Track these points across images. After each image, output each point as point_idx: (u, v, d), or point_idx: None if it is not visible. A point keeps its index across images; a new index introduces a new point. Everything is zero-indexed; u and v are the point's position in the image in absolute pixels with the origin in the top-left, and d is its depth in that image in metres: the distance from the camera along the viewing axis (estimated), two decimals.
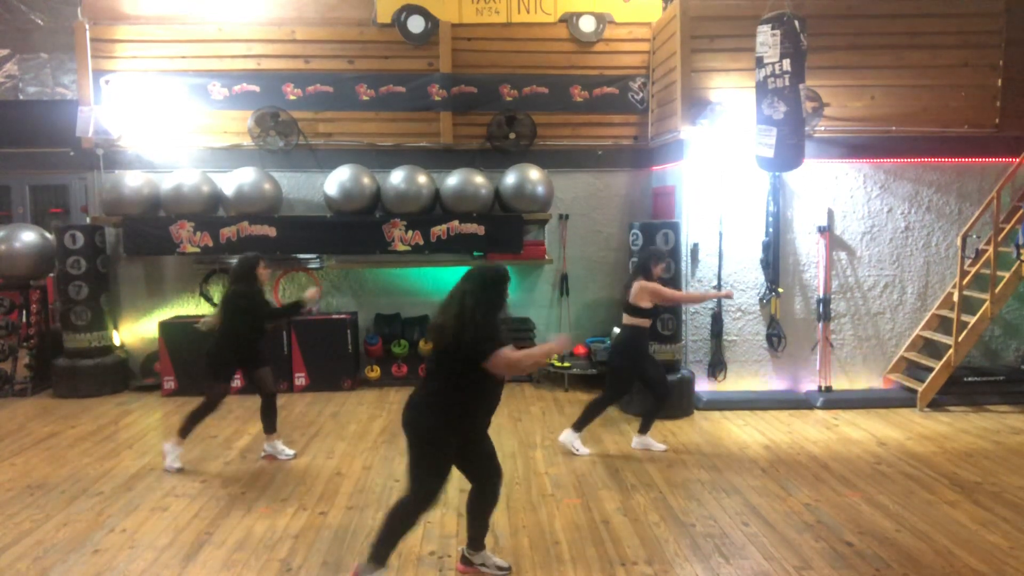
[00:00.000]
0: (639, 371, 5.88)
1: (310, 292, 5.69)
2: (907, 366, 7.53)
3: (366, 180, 7.97)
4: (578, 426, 5.89)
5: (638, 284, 5.76)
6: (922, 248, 7.52)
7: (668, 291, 5.84)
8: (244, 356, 5.60)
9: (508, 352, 3.49)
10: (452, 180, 8.01)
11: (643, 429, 5.97)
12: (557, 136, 8.54)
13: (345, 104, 8.39)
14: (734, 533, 4.39)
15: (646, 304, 5.73)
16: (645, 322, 5.81)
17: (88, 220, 8.34)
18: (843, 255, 7.48)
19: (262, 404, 5.75)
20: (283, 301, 8.19)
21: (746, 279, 7.40)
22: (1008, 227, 7.07)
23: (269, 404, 5.75)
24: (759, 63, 6.44)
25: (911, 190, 7.47)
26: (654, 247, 6.38)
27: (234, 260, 8.08)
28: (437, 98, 8.40)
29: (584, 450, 5.84)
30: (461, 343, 3.48)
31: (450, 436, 3.61)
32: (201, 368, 5.69)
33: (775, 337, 7.39)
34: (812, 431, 6.43)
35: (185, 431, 5.57)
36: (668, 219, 7.55)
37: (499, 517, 4.58)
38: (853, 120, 7.37)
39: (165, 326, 7.91)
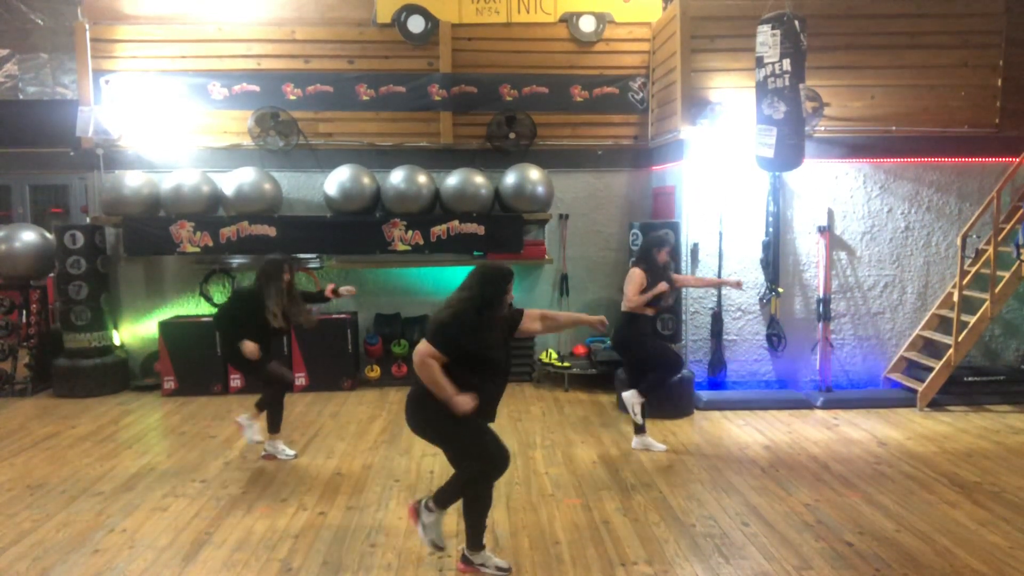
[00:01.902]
0: (642, 351, 5.88)
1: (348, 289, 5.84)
2: (907, 366, 7.53)
3: (366, 180, 7.97)
4: (639, 428, 5.93)
5: (631, 272, 5.81)
6: (922, 248, 7.52)
7: (632, 290, 5.70)
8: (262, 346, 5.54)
9: (432, 360, 3.55)
10: (452, 180, 8.02)
11: (639, 428, 5.96)
12: (557, 136, 8.54)
13: (345, 104, 8.39)
14: (734, 533, 4.39)
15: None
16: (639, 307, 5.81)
17: (88, 220, 8.34)
18: (843, 255, 7.49)
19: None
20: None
21: (746, 279, 7.39)
22: (1008, 227, 7.07)
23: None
24: (759, 63, 6.44)
25: (911, 190, 7.47)
26: (657, 233, 6.34)
27: (235, 260, 8.22)
28: (437, 98, 8.40)
29: (660, 446, 5.91)
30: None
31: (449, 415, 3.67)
32: (249, 371, 5.77)
33: (775, 337, 7.39)
34: (812, 431, 6.43)
35: (262, 405, 5.64)
36: (668, 219, 7.56)
37: (499, 517, 4.58)
38: (853, 120, 7.37)
39: (165, 326, 7.91)
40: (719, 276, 7.30)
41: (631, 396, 5.86)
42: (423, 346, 3.59)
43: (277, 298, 5.50)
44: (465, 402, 3.59)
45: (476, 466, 3.75)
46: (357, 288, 8.49)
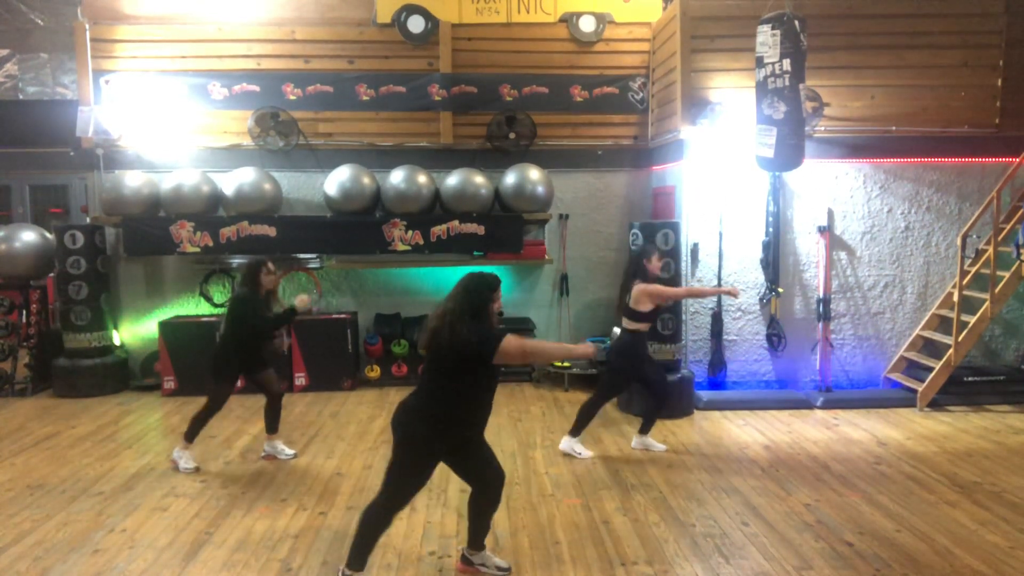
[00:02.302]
0: (638, 374, 5.84)
1: (300, 299, 5.56)
2: (907, 366, 7.53)
3: (366, 180, 7.97)
4: (575, 431, 5.85)
5: (638, 288, 5.61)
6: (922, 248, 7.52)
7: (669, 290, 5.77)
8: (245, 360, 5.58)
9: (519, 340, 3.50)
10: (452, 180, 8.02)
11: (643, 430, 5.96)
12: (557, 136, 8.54)
13: (345, 104, 8.39)
14: (734, 533, 4.39)
15: (646, 308, 5.62)
16: (645, 326, 5.74)
17: (88, 220, 8.34)
18: (843, 255, 7.49)
19: (267, 404, 5.75)
20: (283, 302, 8.18)
21: (746, 279, 7.40)
22: (1008, 227, 7.07)
23: (274, 405, 5.75)
24: (759, 63, 6.44)
25: (911, 190, 7.47)
26: (641, 245, 6.31)
27: (234, 260, 8.21)
28: (437, 98, 8.40)
29: (587, 453, 5.81)
30: (453, 344, 3.49)
31: (438, 444, 3.61)
32: (207, 369, 5.60)
33: (775, 337, 7.39)
34: (812, 431, 6.43)
35: (191, 434, 5.56)
36: (668, 219, 7.55)
37: (499, 517, 4.58)
38: (853, 120, 7.37)
39: (165, 326, 7.91)
40: (719, 276, 7.30)
41: (567, 445, 5.81)
42: (510, 342, 3.45)
43: (264, 299, 5.51)
44: (587, 348, 3.64)
45: (378, 505, 3.65)
46: (357, 288, 8.63)
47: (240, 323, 5.44)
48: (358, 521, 3.72)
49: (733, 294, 5.85)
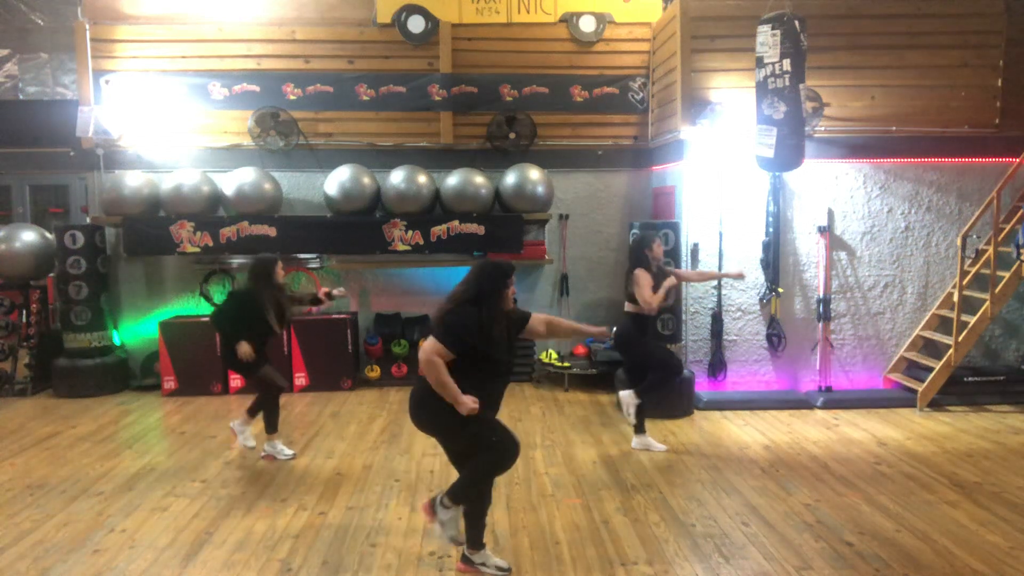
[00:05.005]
0: (647, 348, 5.90)
1: (339, 290, 6.07)
2: (907, 366, 7.53)
3: (366, 180, 7.97)
4: (638, 428, 5.94)
5: (636, 272, 5.77)
6: (922, 248, 7.52)
7: (647, 292, 5.67)
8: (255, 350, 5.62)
9: (438, 358, 3.53)
10: (452, 180, 8.02)
11: (639, 428, 5.96)
12: (557, 136, 8.54)
13: (345, 104, 8.39)
14: (734, 533, 4.39)
15: None
16: (641, 308, 5.80)
17: (88, 220, 8.34)
18: (843, 255, 7.48)
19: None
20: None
21: (746, 279, 7.40)
22: (1008, 227, 7.07)
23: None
24: (759, 63, 6.44)
25: (911, 190, 7.47)
26: (639, 235, 6.31)
27: (234, 260, 8.22)
28: (437, 98, 8.40)
29: (660, 446, 5.91)
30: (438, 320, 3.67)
31: (448, 406, 3.63)
32: (244, 374, 5.91)
33: (775, 337, 7.39)
34: (812, 431, 6.43)
35: (253, 411, 5.80)
36: (668, 219, 7.56)
37: (499, 517, 4.59)
38: (853, 120, 7.37)
39: (165, 326, 7.90)
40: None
41: (628, 396, 5.87)
42: (430, 344, 3.57)
43: (272, 298, 5.54)
44: (470, 403, 3.57)
45: (488, 456, 3.72)
46: (357, 288, 8.63)
47: (248, 316, 5.52)
48: (467, 469, 3.80)
49: (671, 284, 6.09)
